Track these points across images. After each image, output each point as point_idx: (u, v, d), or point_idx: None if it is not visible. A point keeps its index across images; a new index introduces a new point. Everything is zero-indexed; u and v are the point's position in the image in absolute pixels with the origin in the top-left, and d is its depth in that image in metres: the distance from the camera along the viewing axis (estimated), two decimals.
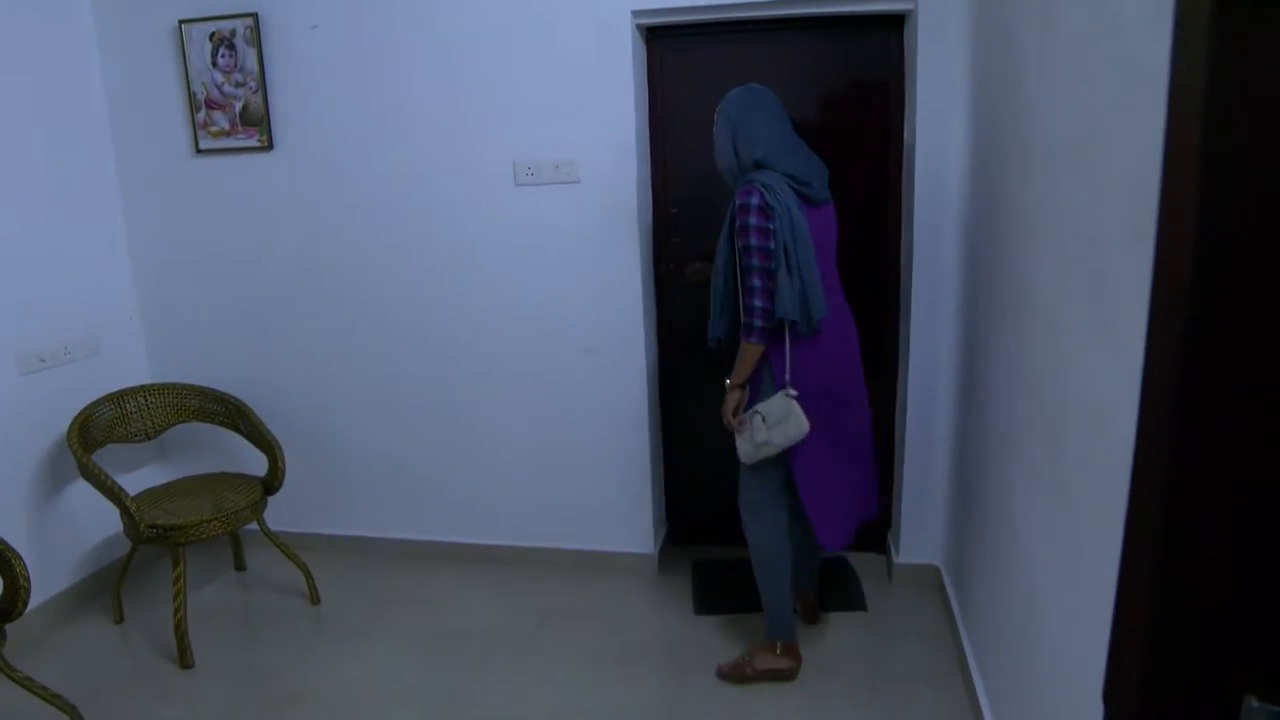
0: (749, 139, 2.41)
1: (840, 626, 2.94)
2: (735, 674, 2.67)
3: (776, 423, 2.41)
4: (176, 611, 2.83)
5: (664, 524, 3.54)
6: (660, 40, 3.12)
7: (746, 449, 2.48)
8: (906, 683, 2.63)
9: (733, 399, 2.50)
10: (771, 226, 2.31)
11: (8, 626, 2.35)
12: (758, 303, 2.35)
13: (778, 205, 2.31)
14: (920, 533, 3.14)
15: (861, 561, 3.36)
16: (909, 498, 3.13)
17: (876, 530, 3.39)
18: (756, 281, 2.34)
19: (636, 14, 2.93)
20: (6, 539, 2.34)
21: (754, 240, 2.32)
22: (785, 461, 2.51)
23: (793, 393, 2.41)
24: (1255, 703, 0.64)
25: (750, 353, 2.41)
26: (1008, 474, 2.14)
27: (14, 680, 2.36)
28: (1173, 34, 0.70)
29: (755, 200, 2.31)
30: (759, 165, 2.41)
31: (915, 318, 2.98)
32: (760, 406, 2.44)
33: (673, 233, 3.28)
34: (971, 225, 2.68)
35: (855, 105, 3.10)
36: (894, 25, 2.96)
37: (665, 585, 3.28)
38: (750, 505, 2.61)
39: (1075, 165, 1.58)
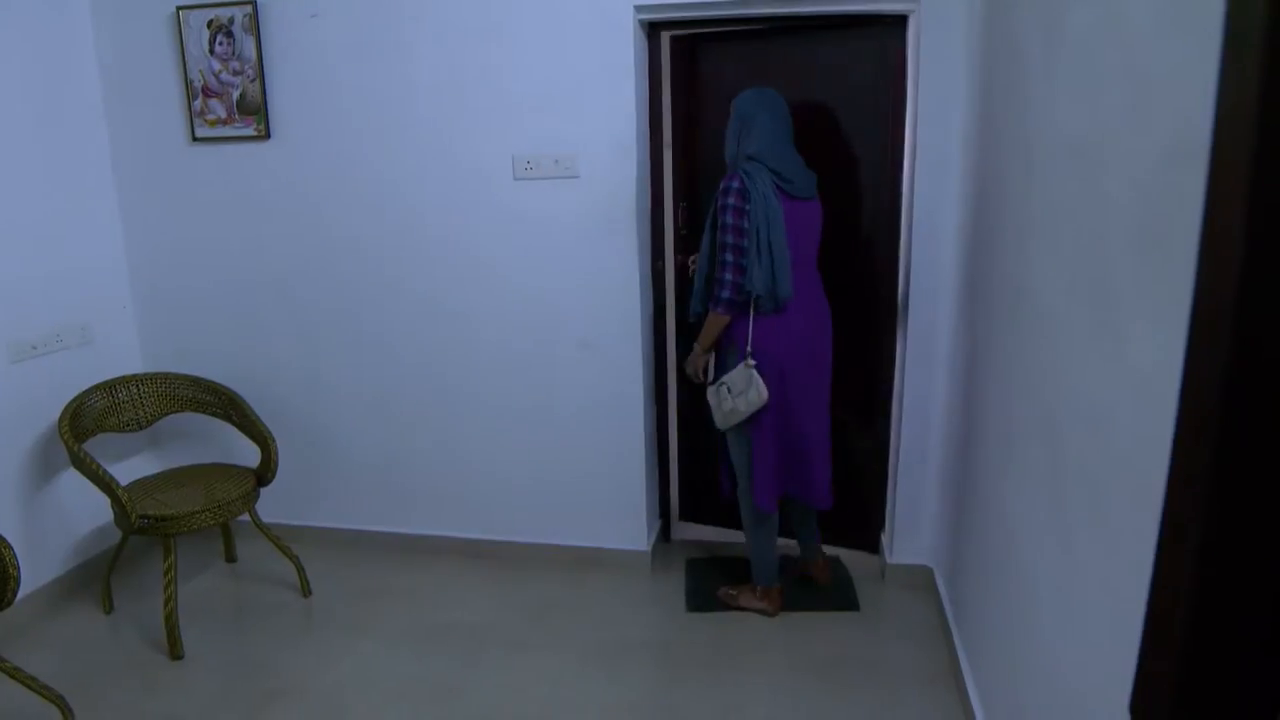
0: (749, 135, 2.68)
1: (832, 627, 2.94)
2: (726, 600, 3.06)
3: (740, 392, 2.70)
4: (167, 602, 2.82)
5: (658, 520, 3.54)
6: (663, 36, 3.11)
7: (718, 416, 2.77)
8: (898, 684, 2.63)
9: (699, 361, 2.85)
10: (747, 208, 2.60)
11: None
12: (728, 276, 2.63)
13: (754, 191, 2.60)
14: (913, 533, 3.14)
15: (854, 562, 3.36)
16: (903, 498, 3.13)
17: (870, 531, 3.39)
18: (729, 257, 2.63)
19: (638, 8, 2.92)
20: None
21: (730, 219, 2.61)
22: (746, 429, 2.79)
23: (752, 363, 2.68)
24: None
25: (715, 322, 2.72)
26: (1003, 475, 2.14)
27: (2, 670, 2.34)
28: (1222, 44, 0.69)
29: (736, 184, 2.62)
30: (750, 159, 2.67)
31: (913, 318, 2.98)
32: (725, 378, 2.73)
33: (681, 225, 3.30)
34: (971, 227, 2.68)
35: (855, 104, 3.09)
36: (896, 25, 2.95)
37: (658, 582, 3.28)
38: (739, 469, 2.88)
39: (1079, 168, 1.57)
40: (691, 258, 3.20)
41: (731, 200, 2.60)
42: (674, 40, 3.14)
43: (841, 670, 2.70)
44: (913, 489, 3.11)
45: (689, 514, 3.61)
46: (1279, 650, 0.68)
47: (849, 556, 3.39)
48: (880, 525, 3.37)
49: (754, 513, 2.89)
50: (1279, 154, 0.63)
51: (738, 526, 3.08)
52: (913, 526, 3.14)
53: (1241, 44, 0.65)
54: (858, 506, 3.34)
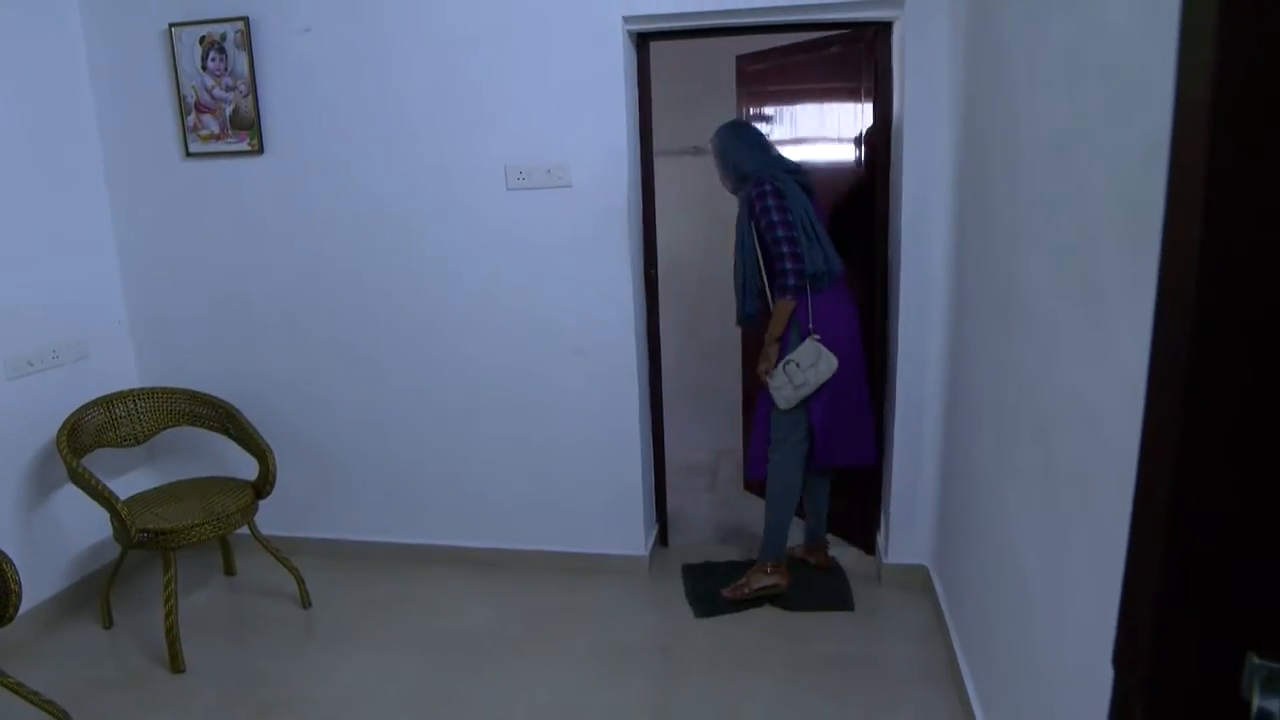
0: (743, 158, 2.95)
1: (828, 627, 2.97)
2: (736, 595, 3.09)
3: (810, 365, 2.86)
4: (167, 616, 2.82)
5: (654, 526, 3.56)
6: (652, 46, 3.14)
7: (787, 394, 2.89)
8: (898, 683, 2.65)
9: (773, 352, 2.92)
10: (786, 204, 2.81)
11: None
12: (789, 265, 2.80)
13: (786, 189, 2.83)
14: (909, 533, 3.17)
15: (850, 562, 3.38)
16: (898, 498, 3.15)
17: (865, 530, 3.41)
18: (785, 248, 2.80)
19: (628, 19, 2.95)
20: None
21: (775, 216, 2.81)
22: (805, 403, 2.92)
23: (817, 336, 2.87)
24: (1257, 659, 0.68)
25: (785, 308, 2.86)
26: (996, 473, 2.17)
27: (4, 685, 2.35)
28: (1179, 40, 0.73)
29: (768, 188, 2.83)
30: (757, 172, 2.89)
31: (903, 318, 3.01)
32: (792, 355, 2.87)
33: None
34: (959, 228, 2.72)
35: (844, 104, 3.13)
36: (881, 32, 2.99)
37: (657, 587, 3.30)
38: (779, 443, 2.99)
39: (1064, 168, 1.60)
40: None
41: (770, 200, 2.81)
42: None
43: (840, 671, 2.72)
44: (907, 489, 3.13)
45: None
46: (1245, 596, 0.73)
47: (846, 557, 3.41)
48: (876, 526, 3.40)
49: (788, 478, 3.00)
50: (1231, 149, 0.67)
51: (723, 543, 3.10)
52: (908, 526, 3.16)
53: (1195, 44, 0.68)
54: (853, 507, 3.37)
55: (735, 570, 3.30)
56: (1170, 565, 0.75)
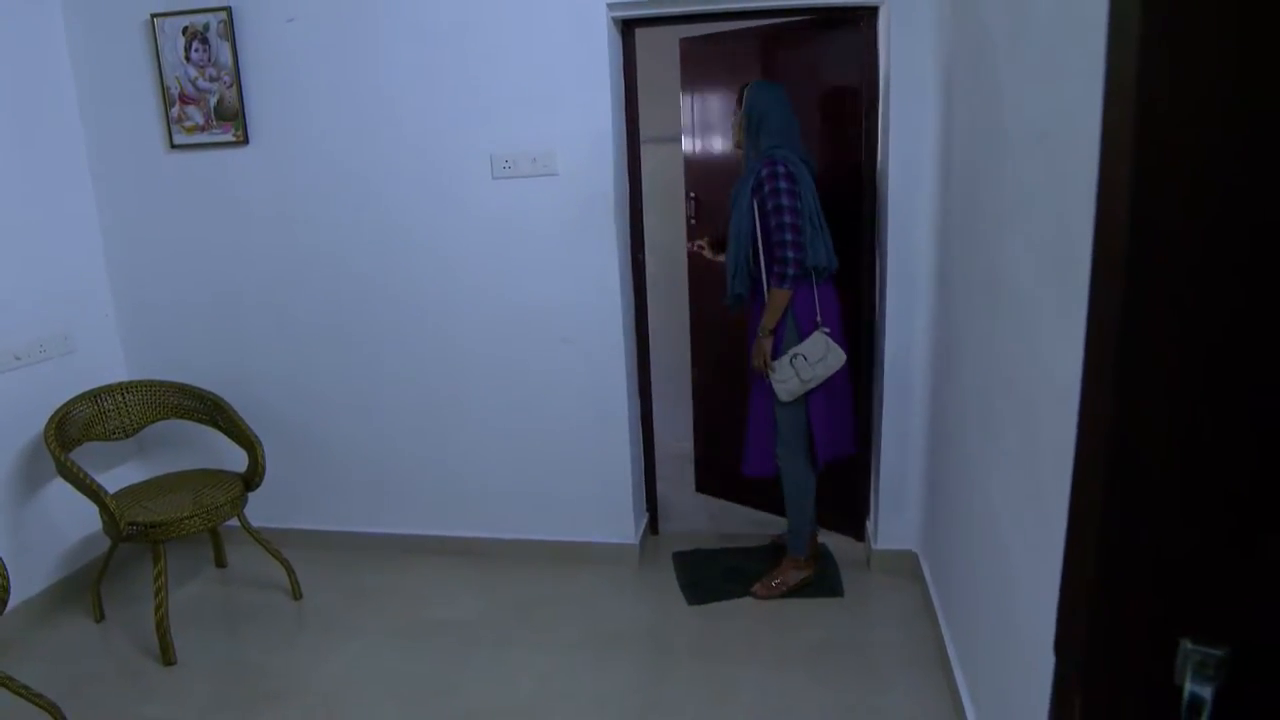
0: (772, 129, 2.82)
1: (818, 613, 2.98)
2: (773, 593, 3.06)
3: (819, 358, 2.82)
4: (158, 609, 2.83)
5: (644, 514, 3.57)
6: (637, 33, 3.13)
7: (791, 387, 2.84)
8: (885, 669, 2.67)
9: (767, 344, 2.85)
10: (798, 190, 2.74)
11: None
12: (790, 254, 2.74)
13: (798, 173, 2.75)
14: (897, 519, 3.18)
15: (839, 548, 3.40)
16: (886, 484, 3.17)
17: (854, 517, 3.43)
18: (789, 235, 2.73)
19: (611, 6, 2.94)
20: None
21: (785, 200, 2.73)
22: (805, 398, 2.89)
23: (826, 330, 2.83)
24: (1189, 645, 0.70)
25: (782, 298, 2.79)
26: (982, 458, 2.18)
27: None
28: (1108, 27, 0.74)
29: (781, 169, 2.74)
30: (775, 146, 2.81)
31: (890, 304, 3.01)
32: (801, 349, 2.82)
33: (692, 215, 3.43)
34: (946, 213, 2.72)
35: (830, 96, 3.13)
36: (866, 17, 2.99)
37: (647, 575, 3.31)
38: (787, 440, 2.95)
39: (1046, 154, 1.61)
40: (698, 243, 3.32)
41: (783, 183, 2.73)
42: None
43: (829, 657, 2.74)
44: (896, 475, 3.14)
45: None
46: (1177, 584, 0.75)
47: (835, 543, 3.43)
48: (865, 512, 3.41)
49: (805, 480, 2.99)
50: (1155, 129, 0.68)
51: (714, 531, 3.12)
52: (897, 512, 3.18)
53: (1121, 30, 0.69)
54: (842, 493, 3.38)
55: (726, 558, 3.32)
56: (1105, 552, 0.76)
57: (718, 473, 3.77)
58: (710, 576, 3.22)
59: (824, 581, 3.16)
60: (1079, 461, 0.84)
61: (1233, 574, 0.71)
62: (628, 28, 3.12)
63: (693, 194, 3.46)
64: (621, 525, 3.38)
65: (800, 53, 3.18)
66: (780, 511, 3.34)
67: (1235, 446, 0.70)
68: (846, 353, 2.87)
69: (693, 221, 3.50)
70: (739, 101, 2.92)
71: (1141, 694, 0.76)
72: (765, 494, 3.43)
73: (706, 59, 3.43)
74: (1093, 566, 0.77)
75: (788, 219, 2.73)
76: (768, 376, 2.88)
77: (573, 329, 3.21)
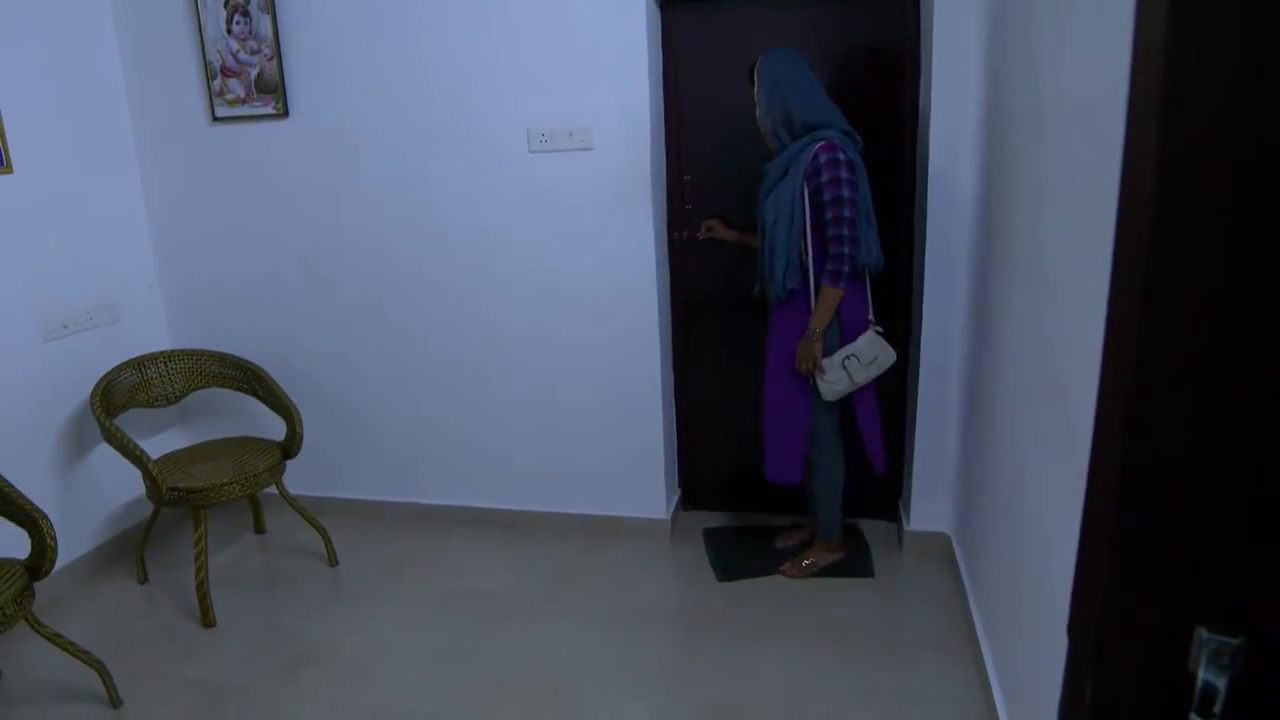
0: (802, 102, 2.63)
1: (847, 593, 2.97)
2: (804, 574, 3.05)
3: (872, 359, 2.74)
4: (198, 572, 2.90)
5: (677, 490, 3.58)
6: (675, 7, 3.10)
7: (840, 389, 2.74)
8: (914, 650, 2.66)
9: (818, 346, 2.71)
10: (857, 180, 2.59)
11: (36, 585, 2.41)
12: (847, 250, 2.59)
13: (856, 162, 2.60)
14: (930, 500, 3.15)
15: (872, 529, 3.38)
16: (920, 464, 3.14)
17: (887, 497, 3.41)
18: (846, 231, 2.58)
19: None
20: (35, 501, 2.40)
21: (845, 192, 2.56)
22: (848, 399, 2.82)
23: (880, 329, 2.75)
24: (1205, 633, 0.69)
25: (835, 297, 2.65)
26: (1017, 439, 2.15)
27: (43, 636, 2.43)
28: (1134, 22, 0.72)
29: (842, 156, 2.57)
30: (818, 127, 2.62)
31: (929, 284, 2.97)
32: (853, 349, 2.72)
33: (686, 200, 3.27)
34: (986, 192, 2.66)
35: (870, 69, 3.07)
36: None
37: (677, 550, 3.32)
38: (824, 437, 2.88)
39: (1088, 131, 1.57)
40: (706, 226, 3.07)
41: (844, 173, 2.56)
42: (687, 6, 3.11)
43: (857, 636, 2.73)
44: (930, 456, 3.11)
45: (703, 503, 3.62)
46: (1195, 572, 0.74)
47: (867, 525, 3.41)
48: (898, 492, 3.39)
49: (838, 475, 2.94)
50: (1184, 91, 0.67)
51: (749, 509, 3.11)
52: (930, 493, 3.15)
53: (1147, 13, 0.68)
54: (876, 474, 3.35)
55: (757, 535, 3.32)
56: (1122, 536, 0.75)
57: (708, 482, 3.67)
58: (741, 553, 3.23)
59: (855, 561, 3.14)
60: (1096, 442, 0.83)
61: (1252, 562, 0.70)
62: (668, 3, 3.08)
63: (687, 176, 3.32)
64: (653, 500, 3.39)
65: (830, 21, 3.12)
66: (785, 511, 3.35)
67: (1260, 433, 0.69)
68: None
69: (688, 207, 3.28)
70: (750, 80, 2.73)
71: (1154, 681, 0.75)
72: (768, 496, 3.39)
73: (705, 26, 3.26)
74: (1108, 550, 0.76)
75: (847, 213, 2.57)
76: (812, 378, 2.77)
77: (607, 304, 3.21)
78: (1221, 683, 0.67)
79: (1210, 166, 0.66)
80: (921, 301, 3.00)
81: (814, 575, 3.05)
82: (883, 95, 3.06)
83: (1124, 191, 0.76)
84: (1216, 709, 0.67)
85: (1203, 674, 0.68)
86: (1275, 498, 0.69)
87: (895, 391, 3.21)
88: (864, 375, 2.74)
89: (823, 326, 2.69)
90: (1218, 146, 0.66)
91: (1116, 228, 0.79)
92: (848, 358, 2.72)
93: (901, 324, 3.17)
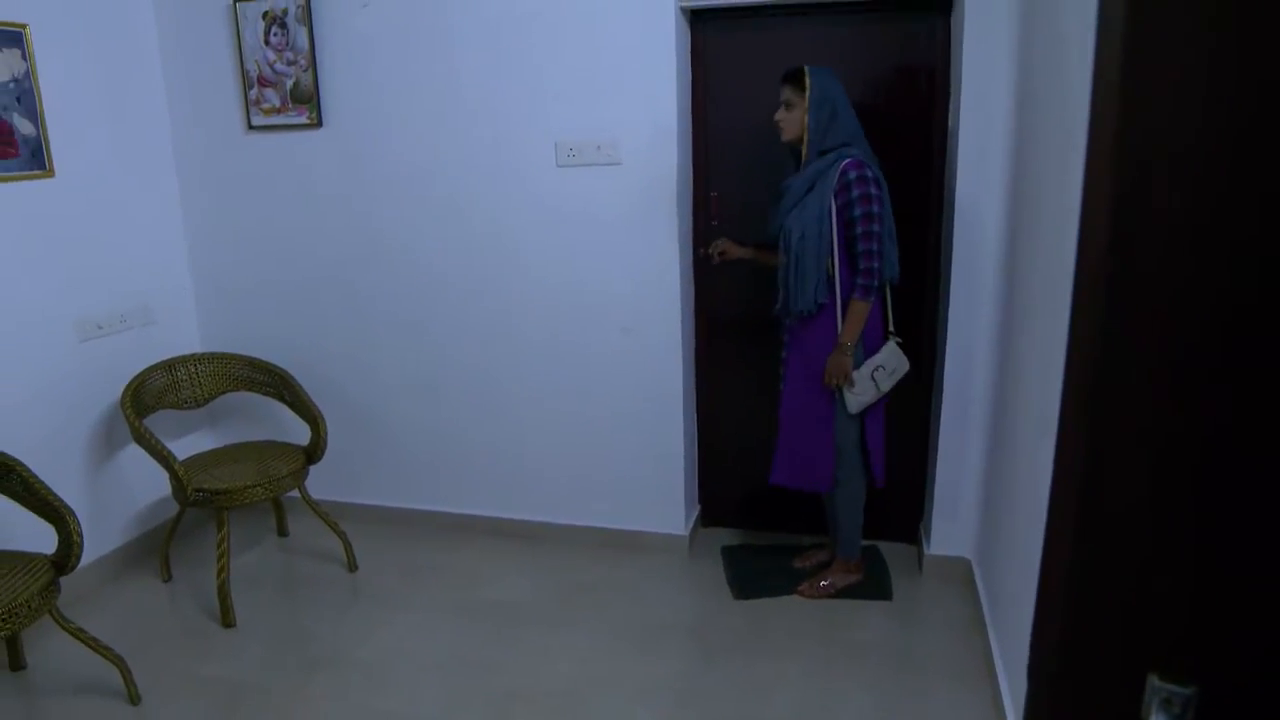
0: (844, 120, 2.68)
1: (865, 615, 2.94)
2: (822, 594, 3.03)
3: (894, 370, 2.78)
4: (220, 573, 2.94)
5: (696, 506, 3.57)
6: (705, 23, 3.12)
7: (865, 399, 2.78)
8: (930, 676, 2.63)
9: (849, 360, 2.74)
10: (884, 197, 2.66)
11: (61, 580, 2.46)
12: (876, 264, 2.64)
13: (881, 179, 2.66)
14: (952, 524, 3.12)
15: (891, 552, 3.35)
16: (941, 488, 3.10)
17: (908, 520, 3.37)
18: (875, 245, 2.63)
19: None
20: (63, 498, 2.46)
21: (875, 208, 2.62)
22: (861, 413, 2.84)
23: (899, 339, 2.79)
24: (1157, 681, 0.70)
25: (865, 310, 2.69)
26: (1040, 464, 2.12)
27: (67, 630, 2.48)
28: (1096, 27, 0.72)
29: (870, 173, 2.63)
30: (845, 144, 2.68)
31: (954, 305, 2.94)
32: (880, 361, 2.77)
33: (712, 216, 3.28)
34: (1012, 213, 2.65)
35: (899, 89, 3.06)
36: (940, 9, 2.92)
37: (695, 567, 3.31)
38: (849, 453, 2.88)
39: None
40: (717, 246, 3.03)
41: (873, 189, 2.62)
42: (717, 24, 3.13)
43: (872, 659, 2.70)
44: (952, 479, 3.08)
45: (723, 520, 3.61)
46: (1147, 620, 0.74)
47: (886, 547, 3.38)
48: (919, 515, 3.35)
49: (860, 492, 2.93)
50: (1138, 123, 0.68)
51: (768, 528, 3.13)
52: (951, 517, 3.11)
53: (1109, 25, 0.70)
54: (897, 496, 3.32)
55: (776, 554, 3.30)
56: (1077, 583, 0.76)
57: (728, 499, 3.65)
58: (759, 571, 3.21)
59: (873, 584, 3.11)
60: (1054, 487, 0.83)
61: (1204, 613, 0.70)
62: (697, 19, 3.10)
63: (714, 192, 3.33)
64: (673, 516, 3.39)
65: (861, 40, 3.11)
66: (805, 530, 3.33)
67: (1214, 486, 0.69)
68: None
69: (715, 223, 3.27)
70: (795, 86, 2.67)
71: None
72: (787, 514, 3.40)
73: (735, 44, 3.27)
74: (1064, 596, 0.77)
75: (876, 228, 2.62)
76: (840, 391, 2.79)
77: (632, 318, 3.22)
78: None
79: (1160, 202, 0.67)
80: (946, 322, 2.98)
81: (831, 596, 3.03)
82: (911, 115, 3.06)
83: (1082, 230, 0.77)
84: None
85: None
86: (1229, 549, 0.69)
87: (917, 413, 3.18)
88: (889, 385, 2.78)
89: (854, 339, 2.71)
90: (1167, 183, 0.67)
91: (1075, 271, 0.80)
92: (876, 369, 2.76)
93: (926, 346, 3.14)
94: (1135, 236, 0.69)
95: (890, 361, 2.77)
